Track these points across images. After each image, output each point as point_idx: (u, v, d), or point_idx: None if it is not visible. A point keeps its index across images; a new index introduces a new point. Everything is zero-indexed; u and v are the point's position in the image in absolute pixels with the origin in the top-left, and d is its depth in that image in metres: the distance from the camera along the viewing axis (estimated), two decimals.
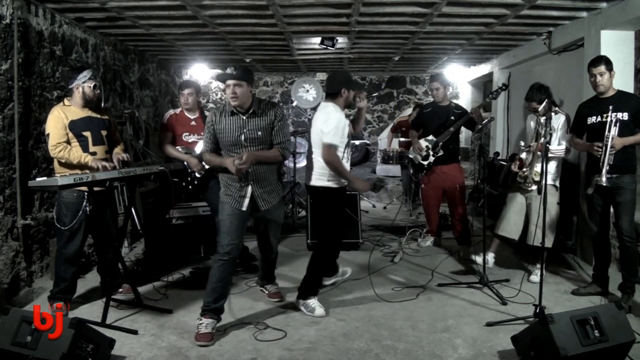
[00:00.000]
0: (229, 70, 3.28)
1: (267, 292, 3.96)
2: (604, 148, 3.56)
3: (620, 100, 3.66)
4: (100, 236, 3.86)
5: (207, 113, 4.12)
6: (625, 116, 3.58)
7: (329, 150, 3.46)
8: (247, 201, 3.40)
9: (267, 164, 3.44)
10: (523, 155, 4.20)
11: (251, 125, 3.36)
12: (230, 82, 3.25)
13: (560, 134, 4.13)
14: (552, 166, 4.15)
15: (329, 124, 3.49)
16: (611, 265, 4.56)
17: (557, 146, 4.12)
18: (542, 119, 4.02)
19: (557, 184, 4.25)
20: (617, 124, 3.56)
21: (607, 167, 3.53)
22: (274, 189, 3.54)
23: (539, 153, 4.01)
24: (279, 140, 3.44)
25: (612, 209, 3.82)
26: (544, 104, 4.11)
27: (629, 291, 3.69)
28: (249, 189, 3.40)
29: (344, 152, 3.59)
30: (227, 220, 3.39)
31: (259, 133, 3.37)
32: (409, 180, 7.26)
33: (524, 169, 4.15)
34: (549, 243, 4.11)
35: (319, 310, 3.64)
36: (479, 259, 4.38)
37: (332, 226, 3.71)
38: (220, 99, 10.22)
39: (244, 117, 3.36)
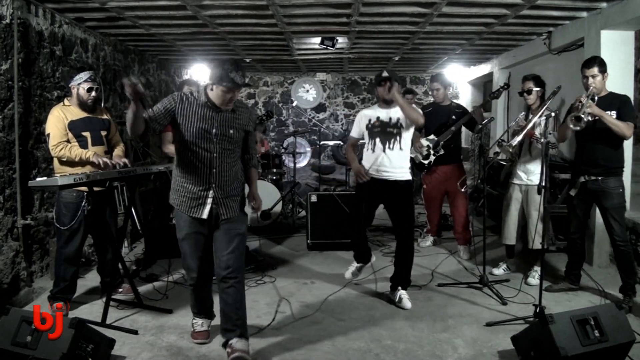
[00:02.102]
0: (238, 79, 2.80)
1: (230, 350, 2.94)
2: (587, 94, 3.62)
3: (610, 100, 3.70)
4: (100, 236, 3.86)
5: None
6: (613, 114, 3.64)
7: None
8: (207, 208, 2.94)
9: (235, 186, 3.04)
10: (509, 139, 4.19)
11: (223, 121, 2.93)
12: (237, 89, 2.86)
13: (546, 130, 4.10)
14: (537, 167, 4.14)
15: None
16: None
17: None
18: (543, 120, 4.06)
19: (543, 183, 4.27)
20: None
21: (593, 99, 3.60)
22: (237, 195, 3.04)
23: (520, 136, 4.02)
24: (252, 153, 3.15)
25: (601, 214, 3.85)
26: (537, 89, 4.17)
27: (630, 293, 3.71)
28: (211, 193, 2.93)
29: (369, 142, 3.91)
30: (187, 238, 3.01)
31: (231, 131, 2.94)
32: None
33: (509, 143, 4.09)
34: (540, 242, 4.15)
35: (409, 304, 3.78)
36: (496, 271, 4.45)
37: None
38: None
39: (215, 112, 2.91)
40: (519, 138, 3.94)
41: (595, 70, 3.65)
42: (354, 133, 4.05)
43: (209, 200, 2.94)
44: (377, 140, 3.85)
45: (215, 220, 2.98)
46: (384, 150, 3.81)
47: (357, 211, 4.00)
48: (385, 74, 3.78)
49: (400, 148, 3.81)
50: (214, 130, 2.89)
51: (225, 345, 3.02)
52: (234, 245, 2.96)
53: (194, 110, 2.90)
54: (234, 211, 3.00)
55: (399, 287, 3.83)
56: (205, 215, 2.95)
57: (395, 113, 3.84)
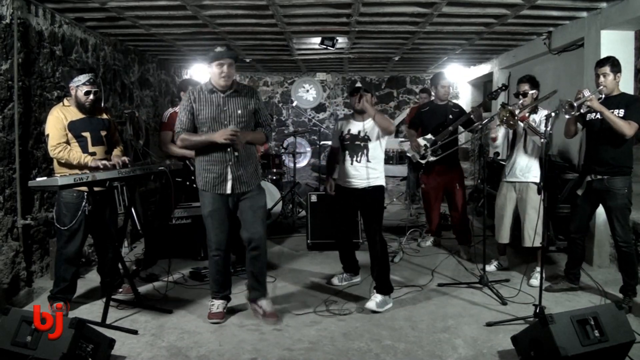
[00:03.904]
0: (219, 49, 3.29)
1: (261, 311, 3.55)
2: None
3: (619, 100, 3.70)
4: (100, 236, 3.86)
5: None
6: (621, 113, 3.64)
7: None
8: (229, 184, 3.37)
9: (252, 144, 3.50)
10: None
11: (231, 103, 3.36)
12: (224, 61, 3.27)
13: (547, 130, 4.10)
14: (536, 165, 4.20)
15: None
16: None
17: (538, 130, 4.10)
18: (537, 117, 4.09)
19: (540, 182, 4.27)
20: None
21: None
22: (253, 172, 3.49)
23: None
24: (264, 122, 3.56)
25: (605, 214, 3.85)
26: (533, 91, 4.17)
27: (630, 293, 3.72)
28: (229, 170, 3.36)
29: (341, 154, 3.99)
30: (212, 215, 3.41)
31: (239, 111, 3.37)
32: (415, 180, 7.42)
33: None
34: (541, 241, 4.11)
35: (374, 307, 3.69)
36: (487, 267, 4.39)
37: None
38: None
39: (223, 95, 3.36)
40: (517, 111, 3.98)
41: (606, 69, 3.65)
42: (333, 142, 4.17)
43: (229, 177, 3.36)
44: (347, 152, 3.93)
45: (237, 195, 3.41)
46: (351, 163, 3.89)
47: (335, 221, 4.15)
48: (358, 84, 3.89)
49: (368, 160, 3.86)
50: (223, 114, 3.33)
51: (250, 300, 3.61)
52: (259, 217, 3.47)
53: (205, 99, 3.35)
54: (251, 185, 3.45)
55: (374, 291, 3.80)
56: (228, 190, 3.38)
57: (365, 126, 3.88)
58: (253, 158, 3.51)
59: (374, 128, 3.85)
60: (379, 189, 3.89)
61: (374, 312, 3.67)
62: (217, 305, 3.57)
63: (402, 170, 8.27)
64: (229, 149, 3.32)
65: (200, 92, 3.37)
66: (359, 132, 3.90)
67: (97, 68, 5.42)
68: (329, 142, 9.34)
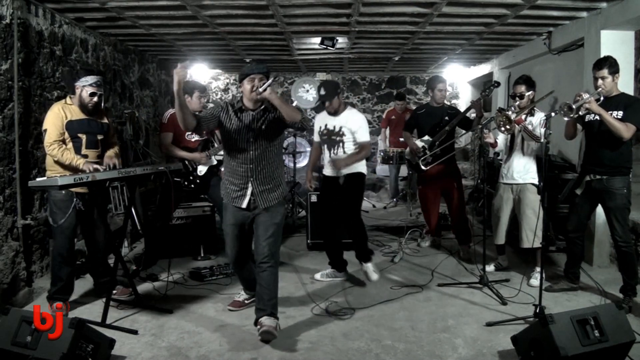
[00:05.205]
0: (251, 64, 3.23)
1: (259, 326, 3.25)
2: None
3: (618, 100, 3.68)
4: (91, 236, 3.86)
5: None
6: (620, 114, 3.63)
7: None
8: (246, 199, 3.30)
9: (285, 111, 3.14)
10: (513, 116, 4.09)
11: (261, 121, 3.25)
12: (256, 75, 3.17)
13: (539, 130, 4.10)
14: (533, 166, 4.22)
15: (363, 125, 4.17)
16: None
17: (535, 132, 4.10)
18: (534, 120, 4.10)
19: (537, 182, 4.27)
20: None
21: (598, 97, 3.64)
22: (276, 186, 3.36)
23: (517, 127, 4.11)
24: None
25: (605, 214, 3.85)
26: (529, 93, 4.16)
27: (630, 293, 3.72)
28: (250, 186, 3.29)
29: (322, 146, 4.34)
30: (228, 230, 3.43)
31: (263, 128, 3.24)
32: (396, 179, 7.86)
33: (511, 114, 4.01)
34: (538, 242, 4.14)
35: (375, 276, 4.23)
36: (487, 268, 4.38)
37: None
38: (220, 98, 10.22)
39: (253, 113, 3.25)
40: (514, 116, 3.97)
41: (605, 72, 3.63)
42: (314, 137, 4.44)
43: (248, 192, 3.30)
44: (325, 146, 4.27)
45: (254, 210, 3.32)
46: (329, 155, 4.24)
47: (320, 214, 4.43)
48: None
49: (344, 152, 4.16)
50: (250, 132, 3.23)
51: (256, 323, 3.29)
52: (270, 234, 3.29)
53: (233, 115, 3.27)
54: (271, 201, 3.32)
55: (362, 262, 4.22)
56: (244, 205, 3.31)
57: (339, 122, 4.16)
58: (277, 174, 3.39)
59: (347, 123, 4.11)
60: (356, 176, 4.14)
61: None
62: (242, 294, 3.80)
63: (402, 169, 8.25)
64: (251, 166, 3.26)
65: (232, 109, 3.27)
66: (334, 126, 4.16)
67: (97, 68, 5.41)
68: None
